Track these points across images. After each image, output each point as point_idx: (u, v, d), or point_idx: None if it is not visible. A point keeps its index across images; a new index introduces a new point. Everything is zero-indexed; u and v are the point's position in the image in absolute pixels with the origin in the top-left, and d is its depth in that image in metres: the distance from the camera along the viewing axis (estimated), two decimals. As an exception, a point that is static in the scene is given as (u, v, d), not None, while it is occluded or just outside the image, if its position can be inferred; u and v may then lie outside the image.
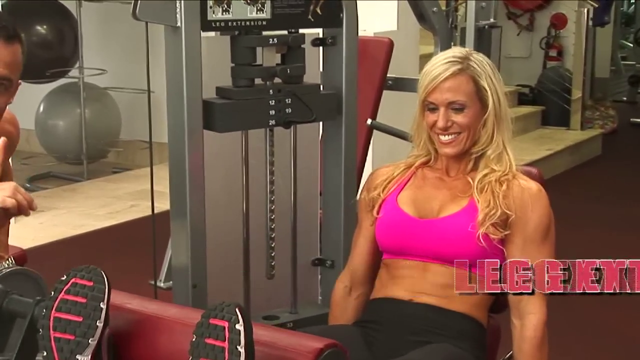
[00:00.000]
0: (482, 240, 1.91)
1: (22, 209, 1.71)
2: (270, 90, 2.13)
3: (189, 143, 2.07)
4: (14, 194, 1.69)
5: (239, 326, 1.34)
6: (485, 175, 1.96)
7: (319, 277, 2.44)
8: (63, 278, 1.46)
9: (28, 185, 5.73)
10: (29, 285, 1.72)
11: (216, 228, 2.18)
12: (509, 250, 1.93)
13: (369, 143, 3.32)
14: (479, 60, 1.97)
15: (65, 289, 1.45)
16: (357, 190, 2.43)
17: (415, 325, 1.91)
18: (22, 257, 2.46)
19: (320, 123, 2.37)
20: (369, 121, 3.23)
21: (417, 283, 1.95)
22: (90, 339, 1.42)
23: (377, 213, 2.03)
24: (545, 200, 1.95)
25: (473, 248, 1.92)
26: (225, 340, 1.34)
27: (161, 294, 2.65)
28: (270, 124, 2.15)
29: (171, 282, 2.28)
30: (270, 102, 2.13)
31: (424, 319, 1.92)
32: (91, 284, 1.44)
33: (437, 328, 1.91)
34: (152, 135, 2.73)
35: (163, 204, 2.42)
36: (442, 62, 1.95)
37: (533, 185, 1.96)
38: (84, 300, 1.43)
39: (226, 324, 1.34)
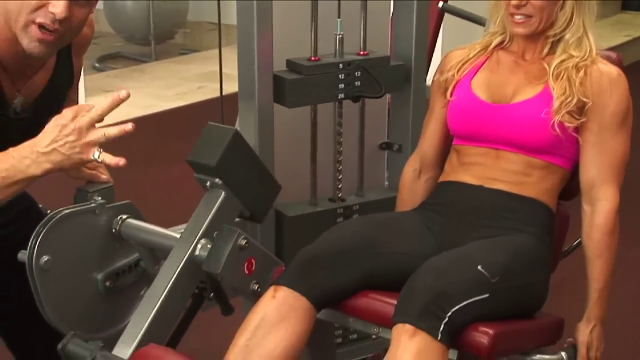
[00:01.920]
0: (556, 128, 1.86)
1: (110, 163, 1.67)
2: (340, 64, 2.14)
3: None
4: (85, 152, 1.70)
5: None
6: (562, 61, 1.89)
7: (386, 161, 2.44)
8: None
9: (97, 64, 5.79)
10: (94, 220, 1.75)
11: (284, 109, 2.17)
12: (583, 137, 1.89)
13: (440, 27, 3.23)
14: None
15: None
16: (426, 75, 2.39)
17: (484, 210, 1.90)
18: (94, 135, 2.49)
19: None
20: (441, 4, 3.14)
21: (488, 170, 1.93)
22: None
23: (451, 95, 2.00)
24: (625, 86, 1.89)
25: (546, 135, 1.88)
26: None
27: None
28: (339, 97, 2.17)
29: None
30: (340, 76, 2.15)
31: (494, 203, 1.90)
32: None
33: (506, 212, 1.89)
34: (220, 16, 2.70)
35: (231, 86, 2.41)
36: None
37: (613, 70, 1.90)
38: None
39: None
